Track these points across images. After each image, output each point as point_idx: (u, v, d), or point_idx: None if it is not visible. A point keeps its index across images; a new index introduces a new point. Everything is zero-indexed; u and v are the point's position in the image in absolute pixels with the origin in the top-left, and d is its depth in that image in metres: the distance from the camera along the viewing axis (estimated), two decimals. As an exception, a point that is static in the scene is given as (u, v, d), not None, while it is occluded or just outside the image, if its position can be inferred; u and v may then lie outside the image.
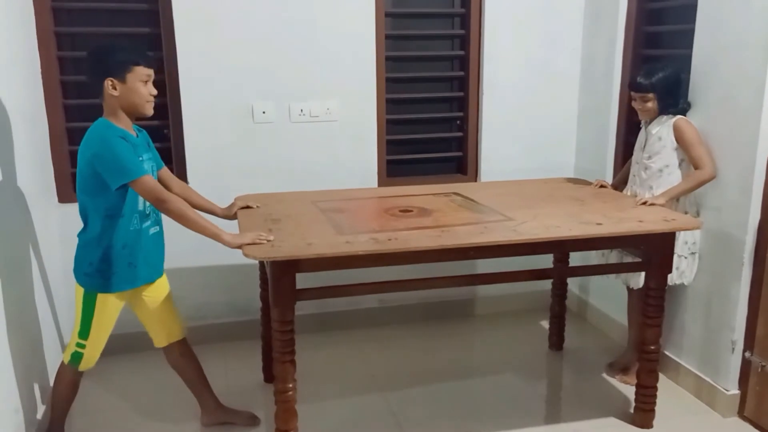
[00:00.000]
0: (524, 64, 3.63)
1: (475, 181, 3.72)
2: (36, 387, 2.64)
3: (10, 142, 2.52)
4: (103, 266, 2.30)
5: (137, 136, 2.34)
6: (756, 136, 2.53)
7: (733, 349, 2.73)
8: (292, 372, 2.30)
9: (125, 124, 2.28)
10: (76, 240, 2.37)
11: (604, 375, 3.16)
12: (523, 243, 2.29)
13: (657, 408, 2.71)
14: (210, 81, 3.22)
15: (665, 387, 3.00)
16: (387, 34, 3.47)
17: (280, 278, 2.17)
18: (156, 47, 3.20)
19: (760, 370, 2.66)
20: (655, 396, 2.70)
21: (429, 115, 3.71)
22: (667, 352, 3.08)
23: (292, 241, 2.23)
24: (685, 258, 2.83)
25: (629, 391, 2.88)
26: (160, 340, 2.56)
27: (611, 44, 3.39)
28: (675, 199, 2.77)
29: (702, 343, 2.89)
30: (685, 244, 2.81)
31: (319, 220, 2.51)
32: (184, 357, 2.61)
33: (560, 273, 3.35)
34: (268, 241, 2.19)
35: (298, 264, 2.16)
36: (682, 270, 2.84)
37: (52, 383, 2.81)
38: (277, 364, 2.29)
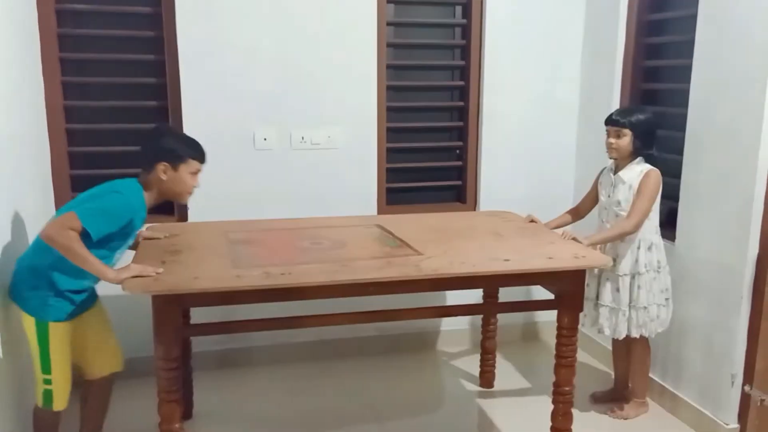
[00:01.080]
0: (524, 95, 3.67)
1: (474, 209, 3.73)
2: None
3: (12, 166, 2.52)
4: (52, 291, 2.23)
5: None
6: (755, 170, 2.55)
7: (733, 382, 2.72)
8: (178, 412, 2.20)
9: (151, 200, 2.31)
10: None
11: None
12: (423, 279, 2.21)
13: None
14: (212, 107, 3.25)
15: (665, 420, 3.00)
16: (388, 64, 3.51)
17: (161, 313, 2.06)
18: (159, 74, 3.23)
19: (759, 404, 2.65)
20: None
21: (429, 144, 3.74)
22: (666, 385, 3.07)
23: (178, 275, 2.12)
24: (664, 306, 2.85)
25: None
26: (100, 369, 2.46)
27: (610, 76, 3.44)
28: (597, 246, 2.76)
29: (701, 376, 2.88)
30: (661, 293, 2.83)
31: (219, 253, 2.41)
32: (101, 393, 2.52)
33: (486, 309, 3.24)
34: (157, 273, 2.09)
35: (183, 299, 2.08)
36: (663, 318, 2.86)
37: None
38: (162, 404, 2.17)
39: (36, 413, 2.39)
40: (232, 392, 3.24)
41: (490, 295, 3.17)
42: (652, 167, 2.77)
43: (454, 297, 3.53)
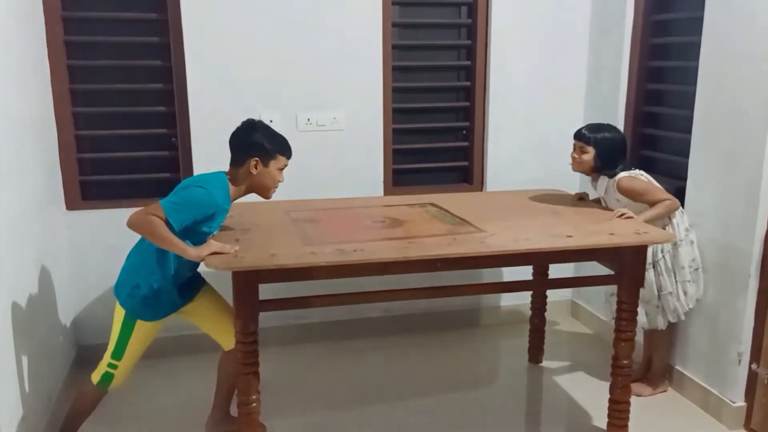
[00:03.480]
0: (530, 76, 3.64)
1: (481, 190, 3.72)
2: (43, 394, 2.64)
3: (19, 150, 2.54)
4: (149, 293, 2.33)
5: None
6: (763, 149, 2.53)
7: (740, 361, 2.72)
8: (255, 384, 2.29)
9: (237, 195, 2.37)
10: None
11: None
12: (490, 255, 2.27)
13: (663, 420, 2.69)
14: (218, 90, 3.24)
15: (672, 399, 3.01)
16: (394, 44, 3.49)
17: (242, 289, 2.14)
18: (164, 56, 3.23)
19: (766, 381, 2.65)
20: (628, 412, 2.62)
21: (435, 124, 3.72)
22: (673, 364, 3.08)
23: (255, 252, 2.20)
24: (691, 283, 2.84)
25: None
26: (227, 341, 2.52)
27: (617, 56, 3.41)
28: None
29: (708, 355, 2.89)
30: (691, 267, 2.83)
31: (288, 231, 2.50)
32: (224, 366, 2.61)
33: (540, 285, 3.26)
34: (236, 251, 2.16)
35: (260, 275, 2.14)
36: (691, 294, 2.86)
37: (58, 389, 2.83)
38: (240, 377, 2.27)
39: (85, 386, 2.46)
40: (291, 367, 3.30)
41: (540, 272, 3.17)
42: (617, 178, 2.76)
43: (497, 274, 3.55)
